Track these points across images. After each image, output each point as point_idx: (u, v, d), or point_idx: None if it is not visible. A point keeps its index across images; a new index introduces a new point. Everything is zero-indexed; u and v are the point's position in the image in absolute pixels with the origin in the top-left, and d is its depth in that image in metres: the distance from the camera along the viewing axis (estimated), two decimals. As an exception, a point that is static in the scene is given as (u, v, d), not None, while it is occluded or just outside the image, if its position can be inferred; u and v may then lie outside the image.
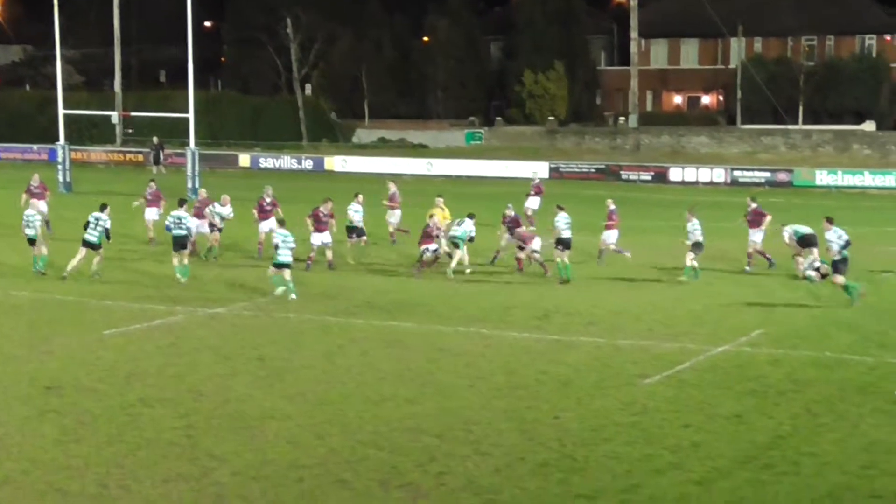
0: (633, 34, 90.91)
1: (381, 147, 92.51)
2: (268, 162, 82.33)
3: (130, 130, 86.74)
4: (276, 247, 30.69)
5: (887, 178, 68.81)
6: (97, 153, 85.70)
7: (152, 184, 42.17)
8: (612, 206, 37.44)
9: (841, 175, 69.79)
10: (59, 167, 63.23)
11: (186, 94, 59.08)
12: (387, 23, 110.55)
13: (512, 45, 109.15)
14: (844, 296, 29.97)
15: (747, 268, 35.37)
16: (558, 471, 17.04)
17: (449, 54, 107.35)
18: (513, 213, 36.16)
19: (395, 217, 41.28)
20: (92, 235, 33.03)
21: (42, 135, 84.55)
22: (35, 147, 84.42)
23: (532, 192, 47.82)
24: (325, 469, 17.03)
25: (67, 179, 62.96)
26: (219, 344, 25.29)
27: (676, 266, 34.75)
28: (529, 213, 42.61)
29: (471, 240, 35.13)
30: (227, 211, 37.60)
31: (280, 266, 30.58)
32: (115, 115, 78.75)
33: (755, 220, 35.86)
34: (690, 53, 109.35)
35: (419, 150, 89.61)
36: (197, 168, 59.17)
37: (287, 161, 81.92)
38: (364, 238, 37.63)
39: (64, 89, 65.09)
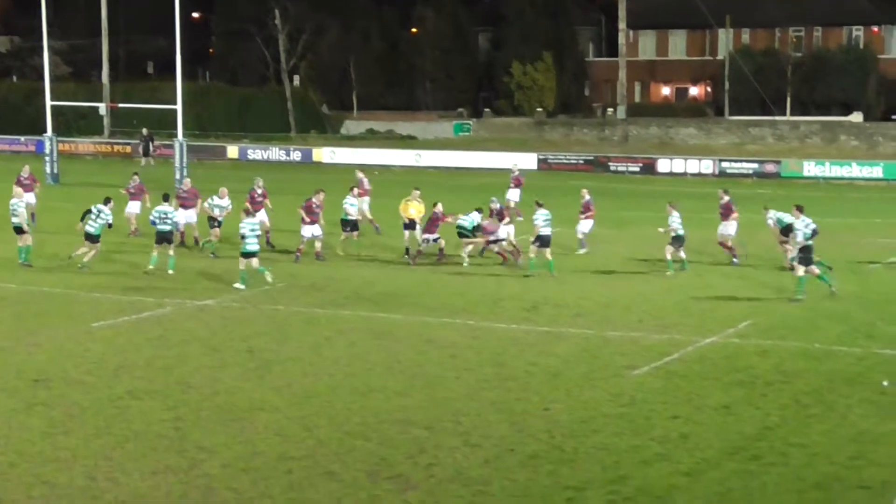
0: (622, 25, 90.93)
1: (370, 138, 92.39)
2: (256, 153, 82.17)
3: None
4: (243, 237, 30.92)
5: (875, 170, 68.90)
6: (85, 144, 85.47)
7: (136, 177, 42.09)
8: (588, 197, 37.60)
9: (829, 166, 69.87)
10: (47, 159, 63.05)
11: (174, 86, 58.87)
12: (375, 14, 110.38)
13: (500, 36, 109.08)
14: (823, 286, 29.91)
15: (735, 259, 35.40)
16: (547, 462, 17.06)
17: (437, 45, 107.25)
18: (498, 206, 36.36)
19: (365, 205, 41.31)
20: (91, 227, 33.10)
21: (29, 126, 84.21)
22: (22, 139, 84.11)
23: (512, 185, 47.94)
24: (314, 461, 17.03)
25: (55, 171, 62.78)
26: (207, 336, 25.26)
27: (665, 258, 34.74)
28: (512, 204, 42.72)
29: (475, 231, 35.36)
30: (226, 203, 37.52)
31: (250, 255, 30.85)
32: (102, 107, 78.50)
33: (725, 213, 35.86)
34: (678, 45, 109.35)
35: (408, 142, 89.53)
36: (185, 160, 59.02)
37: (275, 152, 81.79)
38: (356, 232, 37.65)
39: (51, 80, 64.92)
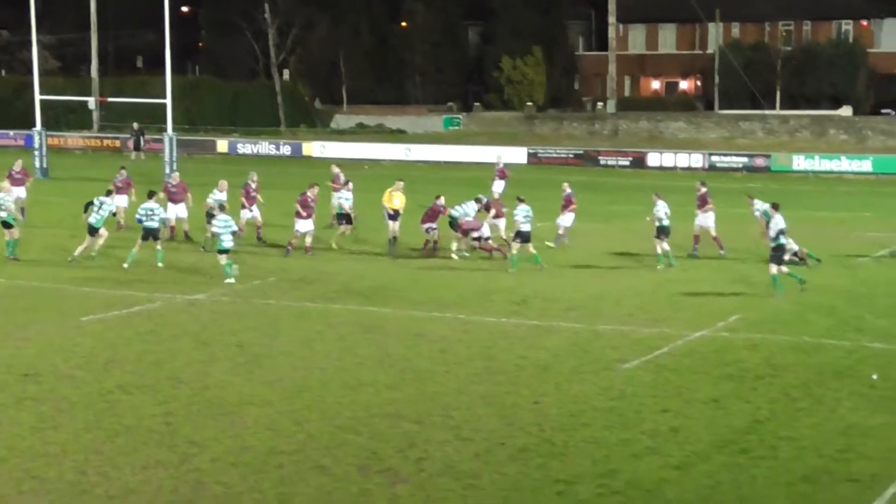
0: (611, 19, 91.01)
1: (360, 133, 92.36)
2: (246, 148, 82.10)
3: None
4: (215, 234, 31.05)
5: (864, 163, 69.04)
6: (74, 139, 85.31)
7: (123, 171, 42.02)
8: (569, 191, 37.63)
9: (818, 160, 69.98)
10: (36, 153, 62.87)
11: (164, 80, 58.80)
12: (364, 8, 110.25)
13: (490, 30, 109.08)
14: (788, 284, 29.72)
15: (721, 251, 35.44)
16: (537, 456, 17.08)
17: (427, 39, 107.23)
18: (485, 200, 36.62)
19: (340, 199, 41.22)
20: (94, 218, 33.19)
21: (18, 121, 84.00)
22: (11, 133, 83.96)
23: (497, 177, 48.02)
24: (305, 455, 17.03)
25: (44, 165, 62.63)
26: (198, 330, 25.25)
27: (656, 252, 34.77)
28: (496, 196, 42.83)
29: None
30: (226, 197, 37.46)
31: (226, 252, 31.07)
32: (91, 101, 78.32)
33: (701, 204, 35.84)
34: (668, 39, 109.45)
35: (397, 136, 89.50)
36: (174, 154, 58.95)
37: (265, 147, 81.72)
38: (351, 226, 37.68)
39: (40, 75, 64.73)
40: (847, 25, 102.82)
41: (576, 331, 25.40)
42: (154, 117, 75.39)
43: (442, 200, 35.60)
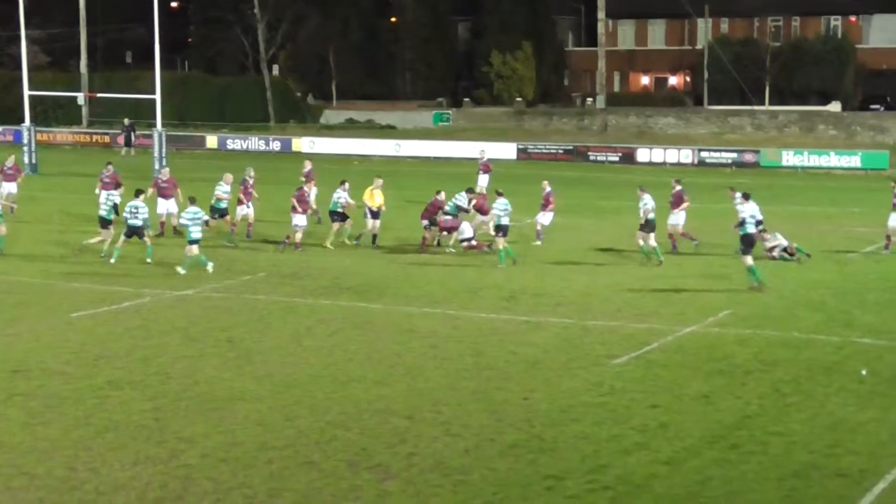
0: (601, 15, 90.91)
1: (350, 128, 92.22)
2: (235, 143, 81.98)
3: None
4: (185, 226, 31.20)
5: (853, 159, 69.15)
6: (63, 134, 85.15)
7: (109, 166, 41.95)
8: (548, 189, 37.61)
9: (807, 156, 70.09)
10: (25, 149, 62.66)
11: (153, 75, 58.62)
12: (354, 2, 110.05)
13: (479, 25, 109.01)
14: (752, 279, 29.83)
15: (694, 242, 35.49)
16: (527, 451, 17.10)
17: (416, 34, 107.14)
18: (474, 201, 36.68)
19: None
20: (104, 210, 33.46)
21: (7, 116, 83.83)
22: (0, 129, 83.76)
23: (481, 171, 48.08)
24: (294, 450, 17.03)
25: (34, 161, 62.47)
26: (187, 326, 25.23)
27: (637, 244, 34.74)
28: (483, 190, 42.92)
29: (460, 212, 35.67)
30: (229, 189, 37.44)
31: (196, 242, 31.27)
32: (81, 97, 78.16)
33: (676, 202, 35.81)
34: (657, 34, 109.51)
35: (387, 132, 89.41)
36: (164, 149, 58.83)
37: (255, 142, 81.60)
38: (349, 220, 37.59)
39: (29, 70, 64.60)
40: (836, 21, 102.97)
41: (565, 326, 25.42)
42: (143, 113, 75.31)
43: (442, 195, 35.69)
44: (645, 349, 23.37)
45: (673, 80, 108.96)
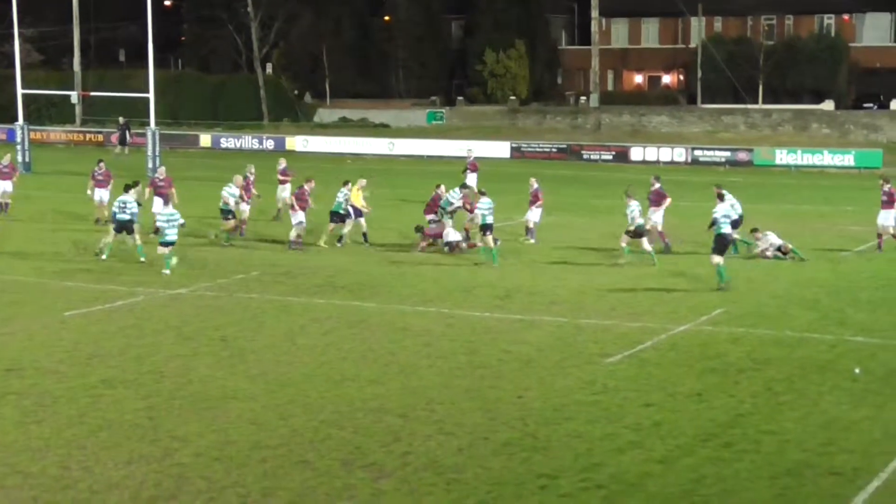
0: (594, 13, 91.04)
1: (343, 127, 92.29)
2: (229, 142, 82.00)
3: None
4: (160, 229, 31.11)
5: (846, 157, 69.28)
6: (56, 133, 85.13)
7: (101, 164, 41.94)
8: (536, 185, 37.63)
9: (800, 154, 70.22)
10: (19, 147, 62.68)
11: (146, 74, 58.64)
12: (347, 1, 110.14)
13: (473, 23, 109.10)
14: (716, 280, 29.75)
15: (666, 241, 35.44)
16: (521, 450, 17.10)
17: (409, 33, 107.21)
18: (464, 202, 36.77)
19: (286, 192, 41.25)
20: (124, 214, 33.31)
21: (0, 114, 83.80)
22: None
23: (469, 169, 48.12)
24: (288, 449, 17.02)
25: (27, 160, 62.49)
26: (180, 325, 25.20)
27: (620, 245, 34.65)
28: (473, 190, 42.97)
29: (453, 211, 35.60)
30: (237, 192, 37.37)
31: (169, 244, 31.10)
32: (74, 95, 78.14)
33: (656, 200, 35.76)
34: (651, 33, 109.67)
35: (381, 130, 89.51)
36: (158, 148, 58.81)
37: (248, 141, 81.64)
38: (349, 220, 37.58)
39: (22, 68, 64.59)
40: (829, 20, 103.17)
41: (559, 325, 25.42)
42: (136, 112, 75.28)
43: (443, 189, 35.76)
44: (638, 348, 23.38)
45: (666, 79, 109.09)
